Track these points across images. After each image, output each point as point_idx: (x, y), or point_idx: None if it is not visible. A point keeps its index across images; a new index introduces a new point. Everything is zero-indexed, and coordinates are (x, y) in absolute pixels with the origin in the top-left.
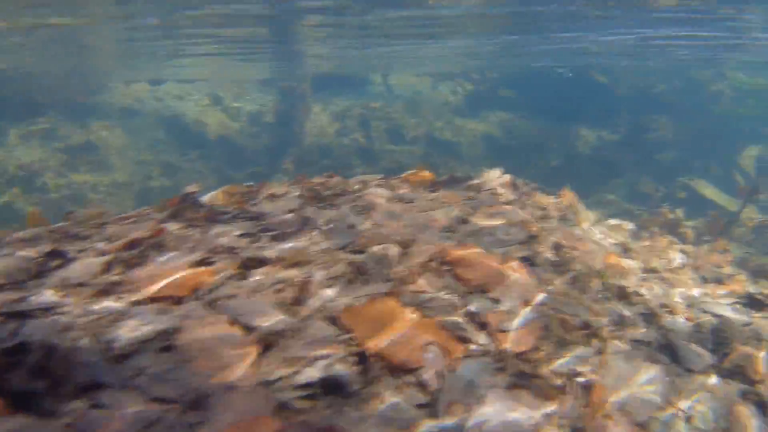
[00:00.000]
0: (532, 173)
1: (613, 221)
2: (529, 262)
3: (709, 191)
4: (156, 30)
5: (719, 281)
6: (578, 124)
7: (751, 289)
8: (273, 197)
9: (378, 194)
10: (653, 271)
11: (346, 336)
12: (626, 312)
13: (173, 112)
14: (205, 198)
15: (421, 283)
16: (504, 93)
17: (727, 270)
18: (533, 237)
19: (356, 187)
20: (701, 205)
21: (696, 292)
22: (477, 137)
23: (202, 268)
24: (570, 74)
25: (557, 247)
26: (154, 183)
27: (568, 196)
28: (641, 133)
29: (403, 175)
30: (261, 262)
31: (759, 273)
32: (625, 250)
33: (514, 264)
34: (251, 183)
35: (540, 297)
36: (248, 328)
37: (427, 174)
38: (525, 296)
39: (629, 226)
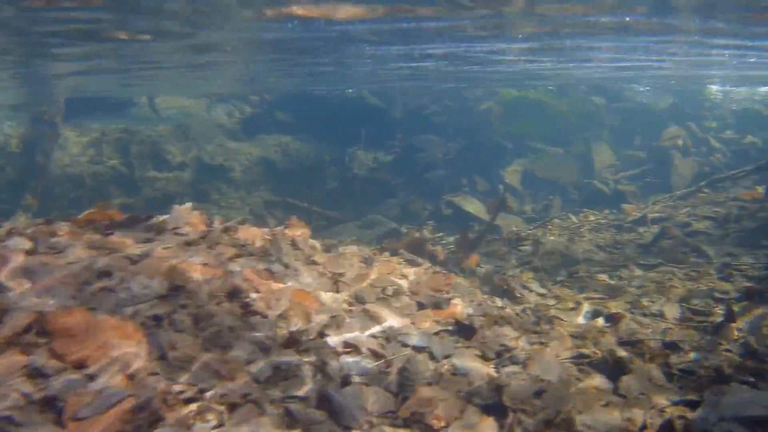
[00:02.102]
0: (310, 196)
1: (350, 248)
2: (157, 321)
3: (472, 207)
4: None
5: (437, 306)
6: (355, 146)
7: (471, 311)
8: None
9: (14, 246)
10: (360, 302)
11: None
12: (288, 362)
13: None
14: None
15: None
16: (281, 116)
17: (448, 293)
18: (179, 288)
19: None
20: (467, 221)
21: (402, 323)
22: (252, 161)
23: None
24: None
25: (232, 294)
26: None
27: (294, 227)
28: (413, 153)
29: (80, 216)
30: None
31: (501, 291)
32: (336, 283)
33: (131, 328)
34: None
35: (144, 368)
36: None
37: (107, 214)
38: (127, 368)
39: (363, 252)
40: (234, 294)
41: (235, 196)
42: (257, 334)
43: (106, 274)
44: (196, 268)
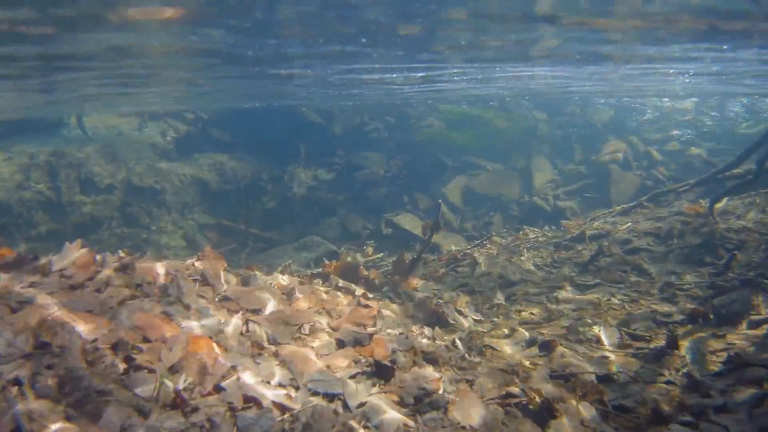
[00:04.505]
0: (247, 217)
1: (278, 278)
2: (18, 386)
3: (411, 225)
4: None
5: (359, 343)
6: (294, 164)
7: (396, 346)
8: None
9: None
10: (273, 343)
11: None
12: (169, 427)
13: None
14: None
15: None
16: (217, 134)
17: (372, 327)
18: (47, 345)
19: None
20: (408, 240)
21: (316, 366)
22: (185, 182)
23: None
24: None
25: (115, 346)
26: None
27: (207, 258)
28: (354, 171)
29: None
30: None
31: (435, 317)
32: (246, 323)
33: None
34: None
35: None
36: None
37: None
38: None
39: (290, 281)
40: (118, 347)
41: (167, 219)
42: (138, 394)
43: None
44: (74, 318)
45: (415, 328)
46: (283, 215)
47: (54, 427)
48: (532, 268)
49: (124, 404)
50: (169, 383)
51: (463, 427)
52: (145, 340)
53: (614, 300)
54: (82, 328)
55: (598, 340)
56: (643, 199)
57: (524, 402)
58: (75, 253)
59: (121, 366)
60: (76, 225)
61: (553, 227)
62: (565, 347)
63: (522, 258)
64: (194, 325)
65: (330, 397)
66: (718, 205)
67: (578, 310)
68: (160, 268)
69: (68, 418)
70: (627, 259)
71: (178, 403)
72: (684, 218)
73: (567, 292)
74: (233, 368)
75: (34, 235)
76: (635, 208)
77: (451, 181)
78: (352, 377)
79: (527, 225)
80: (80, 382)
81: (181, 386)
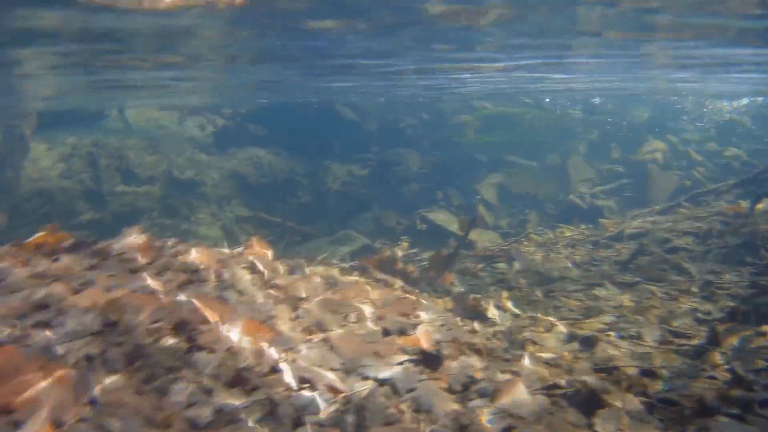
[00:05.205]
0: (283, 211)
1: (318, 269)
2: (90, 361)
3: (447, 221)
4: None
5: (403, 332)
6: (329, 159)
7: (439, 337)
8: None
9: None
10: (321, 329)
11: None
12: (232, 404)
13: None
14: None
15: None
16: (253, 129)
17: (418, 317)
18: (115, 324)
19: None
20: (442, 236)
21: (364, 352)
22: (223, 175)
23: None
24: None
25: (177, 327)
26: None
27: (255, 247)
28: (388, 167)
29: (30, 240)
30: None
31: (474, 312)
32: (296, 309)
33: (61, 370)
34: None
35: (73, 414)
36: None
37: (56, 237)
38: (54, 415)
39: (331, 272)
40: (179, 327)
41: (206, 211)
42: (200, 372)
43: (44, 306)
44: (136, 299)
45: (456, 321)
46: (318, 210)
47: (126, 400)
48: (570, 265)
49: (190, 381)
50: (229, 363)
51: (511, 415)
52: (204, 321)
53: (654, 298)
54: (144, 308)
55: (640, 337)
56: (683, 199)
57: (569, 393)
58: (134, 237)
59: (184, 346)
60: (117, 215)
61: (590, 226)
62: (607, 343)
63: (559, 255)
64: (248, 310)
65: (379, 382)
66: (759, 206)
67: (618, 308)
68: (213, 255)
69: (138, 393)
70: (667, 258)
71: (238, 382)
72: (724, 218)
73: (607, 290)
74: (287, 351)
75: (75, 223)
76: (674, 208)
77: (485, 178)
78: (400, 364)
79: (563, 223)
80: (149, 359)
81: (241, 366)
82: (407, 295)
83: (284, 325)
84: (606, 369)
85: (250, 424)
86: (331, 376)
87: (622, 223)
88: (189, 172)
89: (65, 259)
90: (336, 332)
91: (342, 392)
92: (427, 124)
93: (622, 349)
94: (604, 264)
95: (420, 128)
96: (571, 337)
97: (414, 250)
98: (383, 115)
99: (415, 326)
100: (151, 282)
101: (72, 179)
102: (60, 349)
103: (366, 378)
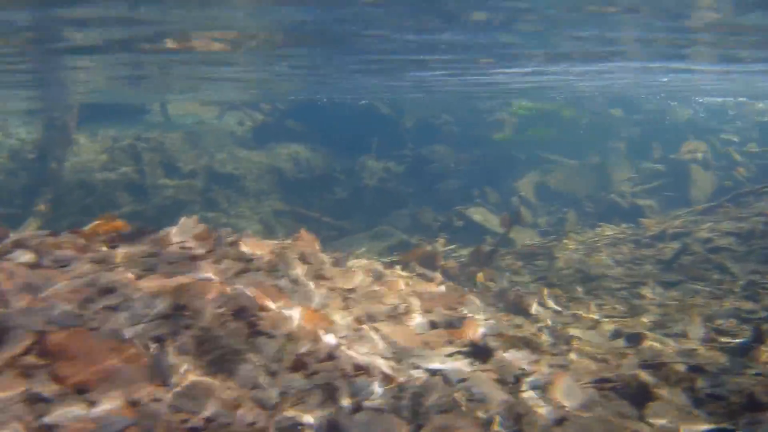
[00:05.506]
0: (320, 206)
1: (362, 261)
2: (161, 343)
3: (484, 219)
4: None
5: (450, 325)
6: (365, 155)
7: (486, 331)
8: None
9: (17, 260)
10: (371, 320)
11: None
12: (296, 387)
13: None
14: None
15: None
16: (291, 125)
17: (463, 311)
18: (183, 307)
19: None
20: (479, 233)
21: (414, 343)
22: (262, 170)
23: None
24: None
25: (238, 312)
26: None
27: (303, 239)
28: (424, 164)
29: (87, 227)
30: None
31: (515, 307)
32: (345, 300)
33: (134, 350)
34: None
35: (146, 394)
36: None
37: (113, 225)
38: (129, 394)
39: (373, 265)
40: (240, 313)
41: (244, 205)
42: (263, 356)
43: (109, 291)
44: (201, 285)
45: (500, 316)
46: (354, 205)
47: (195, 379)
48: (612, 263)
49: (255, 364)
50: (289, 348)
51: (563, 407)
52: (263, 308)
53: (698, 297)
54: (207, 294)
55: (685, 335)
56: (724, 199)
57: (619, 386)
58: (193, 227)
59: (245, 331)
60: (159, 207)
61: (631, 225)
62: (652, 340)
63: (600, 254)
64: (302, 298)
65: (431, 372)
66: None
67: (662, 306)
68: (266, 245)
69: (210, 373)
70: (709, 258)
71: (299, 366)
72: (766, 219)
73: (650, 288)
74: (342, 339)
75: (117, 215)
76: (716, 208)
77: (523, 176)
78: (450, 355)
79: (603, 222)
80: (218, 341)
81: (300, 351)
82: (454, 288)
83: (336, 314)
84: (653, 365)
85: (315, 407)
86: (385, 365)
87: (664, 223)
88: (229, 167)
89: (125, 247)
90: (385, 323)
91: (396, 380)
92: (462, 121)
93: (668, 347)
94: (646, 263)
95: (456, 125)
96: (616, 334)
97: (451, 246)
98: (418, 112)
99: (461, 320)
100: (212, 270)
101: (114, 172)
102: (130, 332)
103: (417, 368)
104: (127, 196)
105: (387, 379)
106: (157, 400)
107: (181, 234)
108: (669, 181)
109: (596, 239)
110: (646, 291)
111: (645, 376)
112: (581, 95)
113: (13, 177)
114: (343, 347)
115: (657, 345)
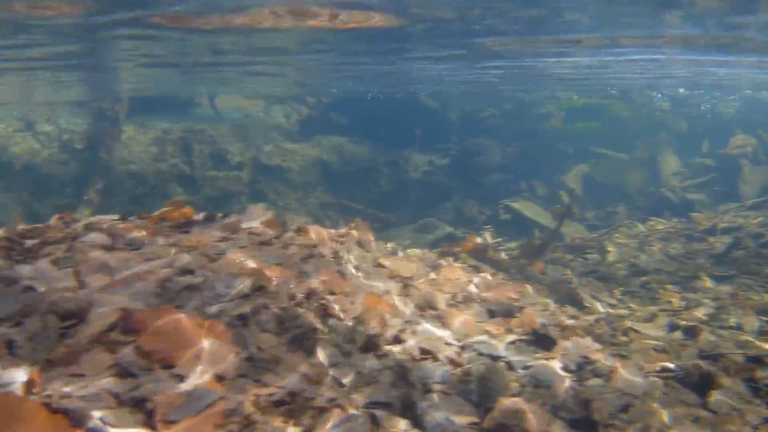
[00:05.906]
0: (364, 198)
1: (415, 251)
2: (243, 321)
3: (531, 212)
4: None
5: (509, 314)
6: (410, 148)
7: (544, 321)
8: None
9: (92, 242)
10: (431, 307)
11: None
12: (369, 367)
13: None
14: None
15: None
16: (336, 117)
17: (520, 301)
18: (261, 288)
19: (74, 233)
20: (527, 227)
21: (477, 330)
22: (308, 162)
23: None
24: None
25: (308, 296)
26: None
27: (358, 228)
28: (469, 157)
29: (155, 213)
30: None
31: (569, 300)
32: (405, 287)
33: (219, 327)
34: None
35: (233, 369)
36: None
37: (182, 211)
38: (216, 369)
39: (426, 255)
40: (310, 296)
41: (291, 196)
42: (336, 337)
43: (188, 271)
44: (273, 269)
45: (555, 307)
46: (398, 198)
47: (280, 355)
48: (664, 258)
49: (331, 343)
50: (360, 329)
51: (628, 394)
52: (330, 292)
53: (751, 290)
54: (280, 277)
55: (740, 327)
56: None
57: (680, 375)
58: (261, 214)
59: (317, 313)
60: (208, 198)
61: (682, 219)
62: (709, 332)
63: (653, 248)
64: (365, 284)
65: (495, 358)
66: None
67: (716, 299)
68: (327, 233)
69: (291, 351)
70: (761, 252)
71: (370, 348)
72: None
73: (704, 282)
74: (406, 323)
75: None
76: (766, 203)
77: (570, 169)
78: (512, 343)
79: (652, 216)
80: (296, 320)
81: (370, 333)
82: (506, 281)
83: (398, 300)
84: (712, 356)
85: (388, 386)
86: (449, 350)
87: (715, 218)
88: (276, 159)
89: (196, 231)
90: (446, 310)
91: (461, 364)
92: (508, 114)
93: (725, 339)
94: (699, 257)
95: (501, 118)
96: (672, 327)
97: (498, 240)
98: (464, 105)
99: (520, 309)
100: (279, 254)
101: (165, 163)
102: (213, 310)
103: (481, 354)
104: (176, 186)
105: (453, 363)
106: (242, 375)
107: (249, 220)
108: (718, 176)
109: (647, 233)
110: (700, 284)
111: (705, 366)
112: (630, 89)
113: (65, 167)
114: (408, 331)
115: (713, 337)
